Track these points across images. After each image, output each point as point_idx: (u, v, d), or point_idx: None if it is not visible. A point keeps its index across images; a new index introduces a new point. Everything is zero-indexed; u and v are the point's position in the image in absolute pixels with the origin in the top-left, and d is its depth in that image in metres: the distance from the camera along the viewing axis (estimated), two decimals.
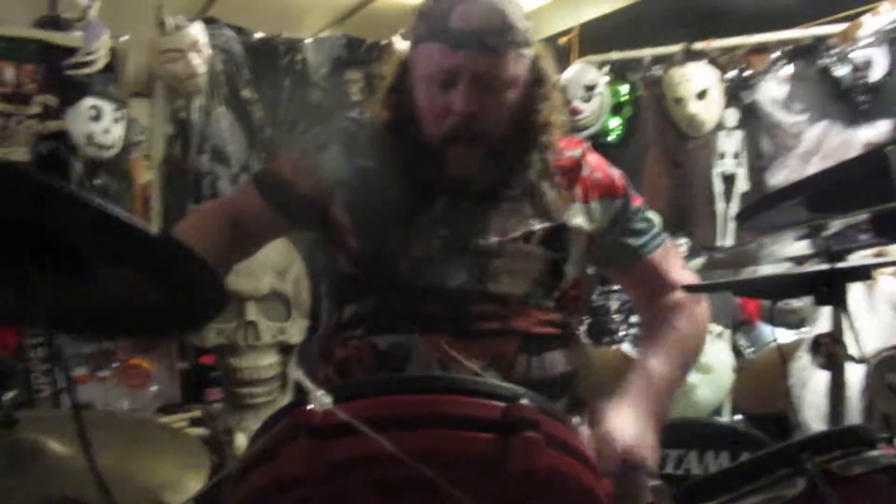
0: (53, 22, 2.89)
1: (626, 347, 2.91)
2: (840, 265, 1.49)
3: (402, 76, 1.34)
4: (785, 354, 1.84)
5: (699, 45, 3.44)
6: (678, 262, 1.49)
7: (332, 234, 1.35)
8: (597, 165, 1.44)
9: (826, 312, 1.51)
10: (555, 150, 1.37)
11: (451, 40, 1.22)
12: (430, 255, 1.29)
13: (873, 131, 3.11)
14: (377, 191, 1.32)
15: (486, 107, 1.25)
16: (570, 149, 1.42)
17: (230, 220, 1.41)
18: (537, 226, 1.33)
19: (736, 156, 3.44)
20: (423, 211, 1.31)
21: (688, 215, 3.51)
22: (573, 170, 1.40)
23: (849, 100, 3.17)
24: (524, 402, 0.81)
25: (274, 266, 2.77)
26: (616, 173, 1.46)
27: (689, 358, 1.40)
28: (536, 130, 1.34)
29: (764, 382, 2.67)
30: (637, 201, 1.47)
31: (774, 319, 2.73)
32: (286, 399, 2.81)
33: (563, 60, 3.59)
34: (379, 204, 1.31)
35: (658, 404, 1.25)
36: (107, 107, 2.88)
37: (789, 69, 3.32)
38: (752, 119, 3.42)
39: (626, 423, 1.17)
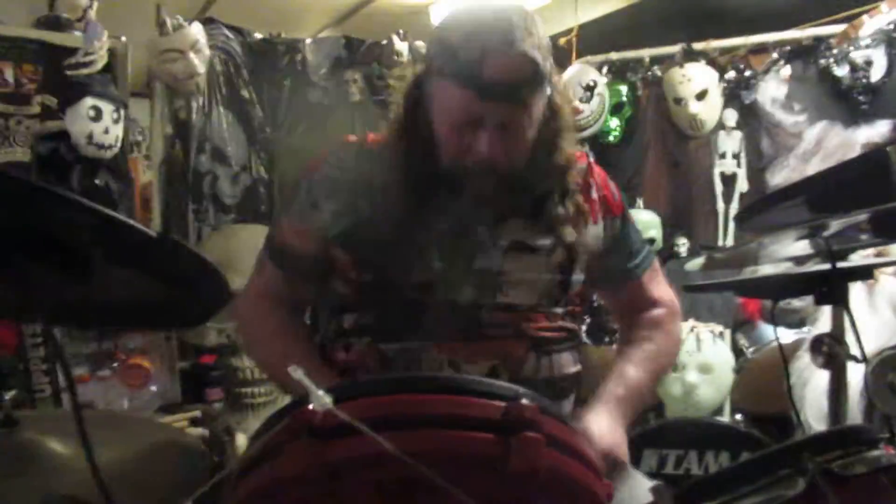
0: (53, 22, 2.89)
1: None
2: (840, 265, 1.49)
3: (417, 100, 1.30)
4: (785, 354, 1.84)
5: (699, 46, 3.44)
6: (662, 280, 1.53)
7: (334, 270, 1.35)
8: (601, 183, 1.45)
9: (826, 312, 1.51)
10: (571, 171, 1.38)
11: (480, 90, 1.19)
12: (435, 278, 1.28)
13: (873, 131, 3.11)
14: (375, 218, 1.30)
15: (507, 148, 1.25)
16: (576, 163, 1.42)
17: (281, 302, 1.42)
18: (546, 241, 1.33)
19: (735, 156, 3.44)
20: (425, 233, 1.29)
21: (688, 215, 3.51)
22: (583, 190, 1.40)
23: (848, 100, 3.18)
24: (525, 402, 0.81)
25: None
26: (615, 190, 1.47)
27: (661, 371, 1.48)
28: (552, 157, 1.34)
29: (764, 382, 2.68)
30: (630, 219, 1.49)
31: (775, 319, 2.72)
32: (286, 399, 2.81)
33: (563, 61, 3.60)
34: (378, 231, 1.29)
35: (629, 411, 1.34)
36: (106, 107, 2.88)
37: (789, 69, 3.33)
38: (751, 119, 3.43)
39: (605, 427, 1.26)
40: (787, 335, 2.75)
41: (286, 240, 1.39)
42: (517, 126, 1.24)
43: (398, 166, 1.30)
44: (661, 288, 1.50)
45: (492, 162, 1.24)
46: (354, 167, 1.35)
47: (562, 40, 3.74)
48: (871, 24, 3.12)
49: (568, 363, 1.36)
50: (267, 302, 1.42)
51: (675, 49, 3.47)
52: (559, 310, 1.36)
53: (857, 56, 3.13)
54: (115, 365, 2.77)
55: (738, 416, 2.93)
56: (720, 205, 3.44)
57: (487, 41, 1.18)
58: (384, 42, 3.49)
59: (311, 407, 0.78)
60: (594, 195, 1.41)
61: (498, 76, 1.18)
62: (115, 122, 2.90)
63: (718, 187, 3.44)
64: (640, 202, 3.52)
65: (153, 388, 2.82)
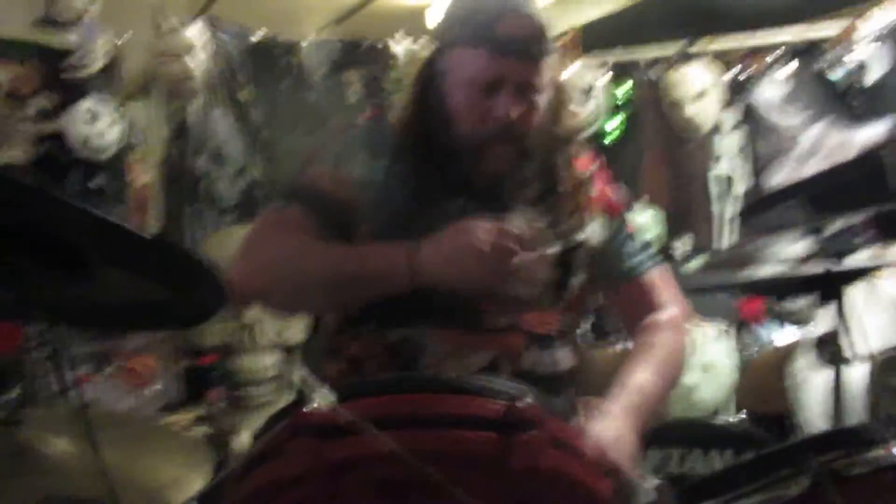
0: (52, 23, 2.89)
1: (626, 347, 2.91)
2: (840, 265, 1.50)
3: (429, 78, 1.32)
4: (785, 354, 1.84)
5: (697, 47, 3.44)
6: (670, 286, 1.47)
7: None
8: (604, 184, 1.45)
9: (826, 312, 1.51)
10: (573, 159, 1.39)
11: (498, 47, 1.23)
12: None
13: (871, 132, 3.11)
14: (391, 197, 1.31)
15: (523, 112, 1.28)
16: (584, 166, 1.43)
17: (303, 231, 1.32)
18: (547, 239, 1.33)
19: (734, 157, 3.44)
20: (436, 215, 1.29)
21: (687, 216, 3.51)
22: (583, 188, 1.41)
23: (846, 101, 3.18)
24: (526, 401, 0.81)
25: None
26: (619, 193, 1.47)
27: (669, 376, 1.38)
28: (558, 136, 1.36)
29: (765, 382, 2.67)
30: (631, 225, 1.48)
31: (776, 319, 2.73)
32: (287, 399, 2.81)
33: (563, 61, 3.60)
34: (393, 209, 1.30)
35: (638, 417, 1.22)
36: (104, 108, 2.88)
37: (787, 70, 3.33)
38: (750, 120, 3.43)
39: (606, 427, 1.14)
40: (786, 335, 2.75)
41: (316, 182, 1.33)
42: (532, 90, 1.28)
43: (410, 145, 1.32)
44: (666, 292, 1.45)
45: (512, 127, 1.27)
46: (373, 142, 1.36)
47: (561, 40, 3.74)
48: (869, 26, 3.13)
49: (565, 359, 1.35)
50: (286, 229, 1.31)
51: (673, 50, 3.47)
52: (558, 307, 1.36)
53: (855, 57, 3.14)
54: (117, 365, 2.77)
55: (740, 416, 2.93)
56: (718, 205, 3.44)
57: (500, 2, 1.24)
58: (381, 44, 3.49)
59: (312, 406, 0.78)
60: (592, 193, 1.42)
61: (514, 32, 1.23)
62: (113, 123, 2.91)
63: (717, 188, 3.45)
64: (640, 202, 3.52)
65: (154, 388, 2.82)
